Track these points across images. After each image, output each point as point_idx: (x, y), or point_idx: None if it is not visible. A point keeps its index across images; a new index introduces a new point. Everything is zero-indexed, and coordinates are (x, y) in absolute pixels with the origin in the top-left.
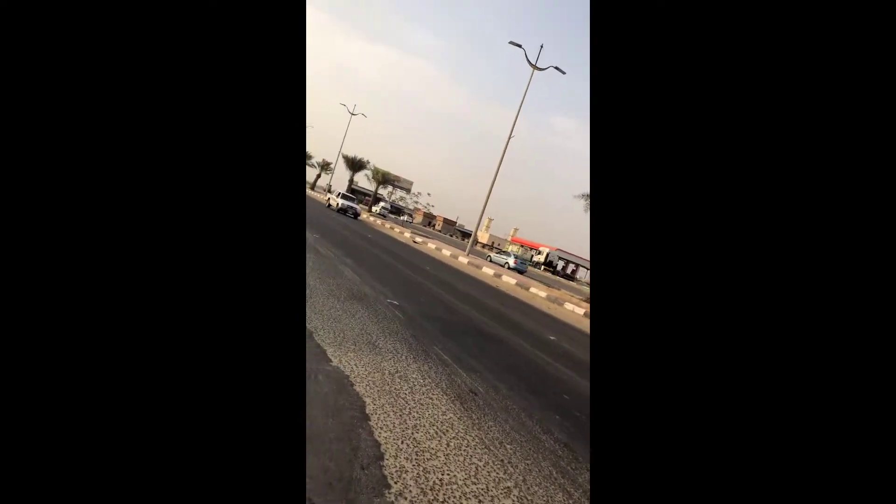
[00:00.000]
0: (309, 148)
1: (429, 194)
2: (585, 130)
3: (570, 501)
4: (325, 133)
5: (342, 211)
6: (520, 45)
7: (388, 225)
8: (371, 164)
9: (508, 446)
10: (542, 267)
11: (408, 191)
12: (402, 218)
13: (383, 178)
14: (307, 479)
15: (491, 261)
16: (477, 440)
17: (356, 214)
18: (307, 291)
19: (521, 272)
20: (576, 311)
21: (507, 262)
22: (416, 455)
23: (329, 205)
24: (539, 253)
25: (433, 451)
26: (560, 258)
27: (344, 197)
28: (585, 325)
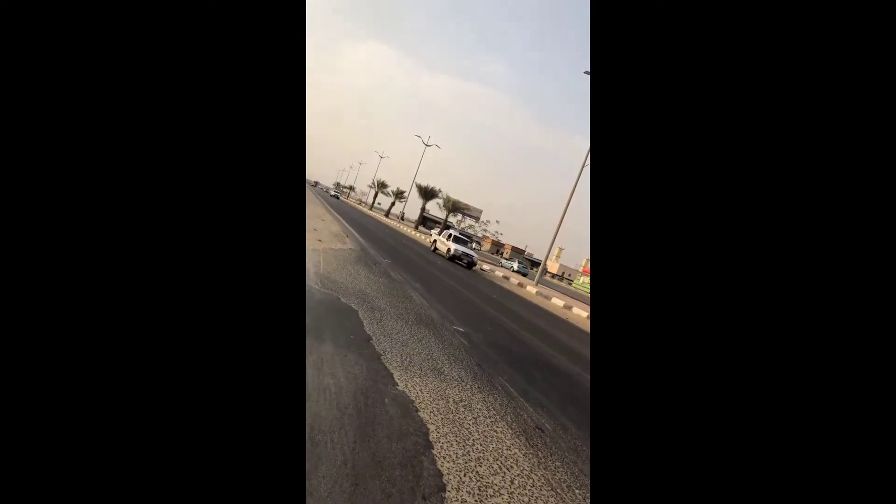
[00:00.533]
0: (385, 177)
1: (497, 222)
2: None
3: None
4: (401, 162)
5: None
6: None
7: None
8: (443, 192)
9: (577, 491)
10: None
11: (477, 219)
12: (471, 245)
13: (454, 207)
14: None
15: (502, 266)
16: (543, 480)
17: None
18: (378, 314)
19: (523, 275)
20: None
21: (511, 266)
22: (479, 490)
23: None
24: None
25: (496, 488)
26: None
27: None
28: None
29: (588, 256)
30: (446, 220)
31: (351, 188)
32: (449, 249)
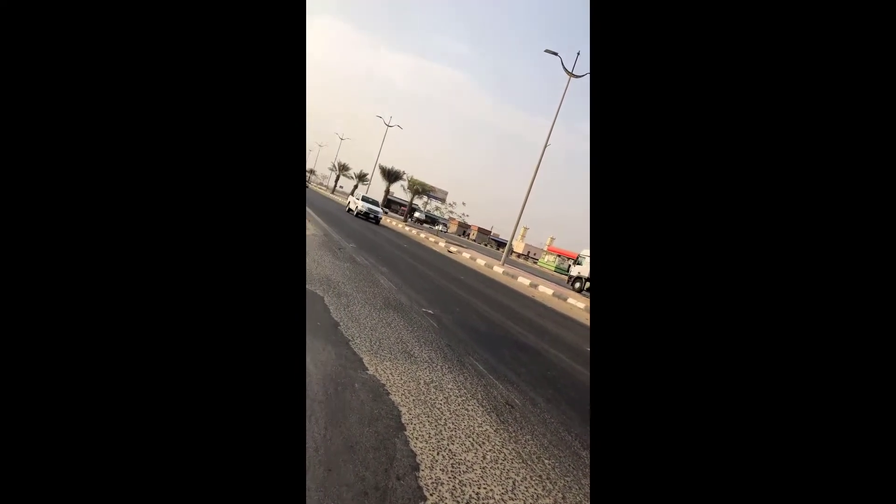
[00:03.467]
0: (346, 160)
1: (463, 204)
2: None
3: None
4: (363, 147)
5: (363, 215)
6: (556, 53)
7: (422, 235)
8: (407, 174)
9: (547, 461)
10: (575, 281)
11: (443, 201)
12: (436, 228)
13: (419, 189)
14: (343, 487)
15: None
16: (514, 454)
17: (377, 219)
18: (345, 300)
19: (376, 222)
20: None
21: (356, 206)
22: (452, 467)
23: (349, 209)
24: (578, 263)
25: (469, 464)
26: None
27: (365, 199)
28: None
29: (552, 235)
30: (411, 203)
31: (311, 171)
32: (357, 207)
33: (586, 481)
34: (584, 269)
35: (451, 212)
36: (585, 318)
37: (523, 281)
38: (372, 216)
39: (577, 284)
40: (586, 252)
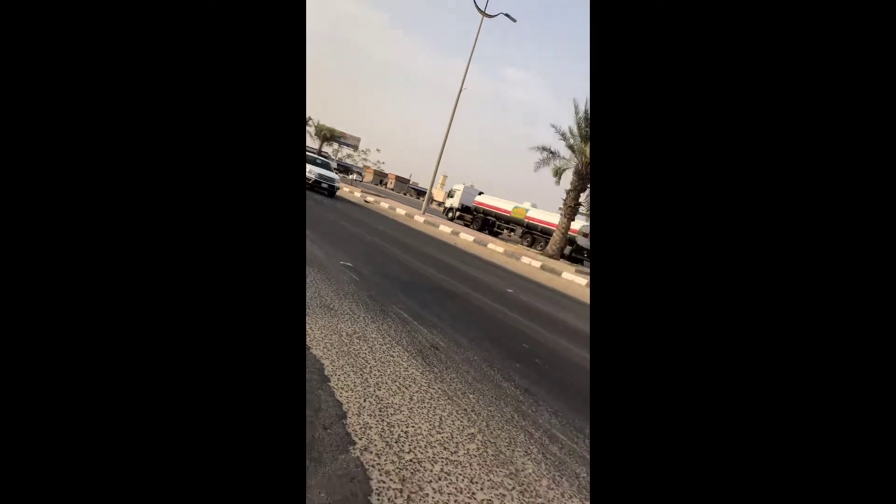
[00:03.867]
0: None
1: (378, 150)
2: (539, 83)
3: (532, 441)
4: None
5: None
6: None
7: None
8: (314, 119)
9: (471, 395)
10: (448, 212)
11: (355, 148)
12: (350, 177)
13: (328, 135)
14: None
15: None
16: (440, 392)
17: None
18: None
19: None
20: (532, 263)
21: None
22: (380, 411)
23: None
24: (451, 196)
25: (396, 406)
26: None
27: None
28: (540, 276)
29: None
30: (320, 150)
31: None
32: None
33: (508, 409)
34: (454, 201)
35: (366, 160)
36: (506, 262)
37: (444, 229)
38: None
39: (450, 214)
40: (459, 186)
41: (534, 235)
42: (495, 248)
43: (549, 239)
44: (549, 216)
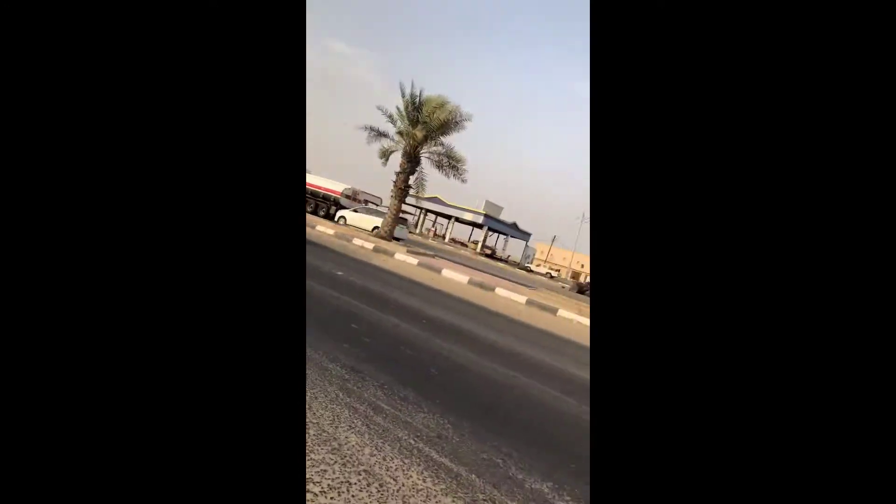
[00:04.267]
0: None
1: None
2: (369, 57)
3: (356, 415)
4: None
5: None
6: None
7: None
8: None
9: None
10: None
11: None
12: None
13: None
14: None
15: None
16: None
17: None
18: None
19: None
20: (365, 245)
21: None
22: None
23: None
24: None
25: None
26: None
27: None
28: (368, 256)
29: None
30: None
31: None
32: None
33: (332, 388)
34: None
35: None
36: (333, 244)
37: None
38: None
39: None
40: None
41: (317, 202)
42: (325, 231)
43: (329, 204)
44: (330, 183)
